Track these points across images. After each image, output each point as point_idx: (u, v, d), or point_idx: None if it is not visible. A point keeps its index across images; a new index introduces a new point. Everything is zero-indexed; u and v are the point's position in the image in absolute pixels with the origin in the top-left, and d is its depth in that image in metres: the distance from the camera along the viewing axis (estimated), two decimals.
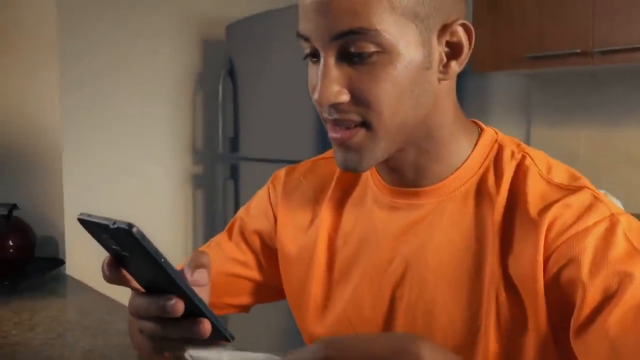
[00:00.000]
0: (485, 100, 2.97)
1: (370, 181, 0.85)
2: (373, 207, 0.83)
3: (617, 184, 2.42)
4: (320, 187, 0.91)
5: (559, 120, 2.70)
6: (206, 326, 0.60)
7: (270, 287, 0.98)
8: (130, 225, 0.54)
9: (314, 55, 0.73)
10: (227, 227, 1.01)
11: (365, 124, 0.72)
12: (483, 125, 0.82)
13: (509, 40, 2.45)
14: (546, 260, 0.69)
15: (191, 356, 0.60)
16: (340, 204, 0.88)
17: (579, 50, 2.24)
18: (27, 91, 1.88)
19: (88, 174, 2.84)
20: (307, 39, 0.72)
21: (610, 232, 0.67)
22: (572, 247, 0.67)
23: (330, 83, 0.70)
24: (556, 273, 0.68)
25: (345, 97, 0.70)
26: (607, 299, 0.64)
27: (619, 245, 0.66)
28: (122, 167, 2.99)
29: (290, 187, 0.94)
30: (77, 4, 2.75)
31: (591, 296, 0.65)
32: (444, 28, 0.72)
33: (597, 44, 2.20)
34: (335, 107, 0.71)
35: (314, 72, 0.73)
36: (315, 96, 0.71)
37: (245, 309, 1.02)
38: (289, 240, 0.91)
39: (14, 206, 1.68)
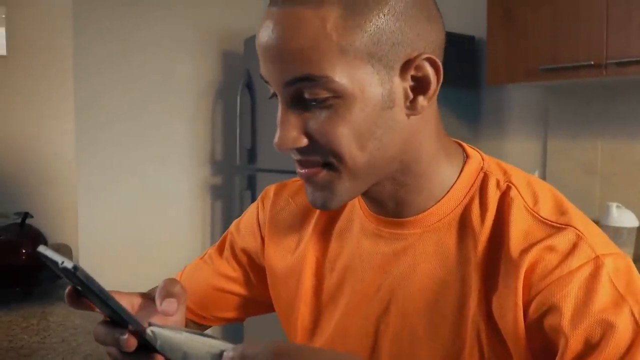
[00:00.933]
0: (501, 113, 2.95)
1: (358, 207, 0.83)
2: (359, 234, 0.82)
3: (635, 197, 2.38)
4: (307, 209, 0.90)
5: (576, 132, 2.67)
6: None
7: (259, 302, 0.99)
8: (75, 268, 0.57)
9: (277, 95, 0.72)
10: (219, 241, 1.02)
11: (328, 165, 0.70)
12: (469, 150, 0.79)
13: (523, 53, 2.44)
14: (527, 304, 0.66)
15: (152, 331, 0.62)
16: (327, 229, 0.87)
17: (592, 62, 2.22)
18: (41, 101, 1.94)
19: (103, 184, 2.89)
20: (267, 81, 0.71)
21: (594, 277, 0.65)
22: (554, 294, 0.65)
23: (287, 129, 0.69)
24: (538, 319, 0.66)
25: (304, 142, 0.69)
26: (589, 349, 0.62)
27: (603, 292, 0.64)
28: (139, 177, 3.03)
29: (278, 207, 0.93)
30: (95, 14, 2.82)
31: (573, 345, 0.63)
32: (408, 63, 0.68)
33: (611, 55, 2.18)
34: (297, 150, 0.70)
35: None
36: (275, 140, 0.70)
37: (237, 320, 1.03)
38: (277, 260, 0.91)
39: (27, 214, 1.74)
